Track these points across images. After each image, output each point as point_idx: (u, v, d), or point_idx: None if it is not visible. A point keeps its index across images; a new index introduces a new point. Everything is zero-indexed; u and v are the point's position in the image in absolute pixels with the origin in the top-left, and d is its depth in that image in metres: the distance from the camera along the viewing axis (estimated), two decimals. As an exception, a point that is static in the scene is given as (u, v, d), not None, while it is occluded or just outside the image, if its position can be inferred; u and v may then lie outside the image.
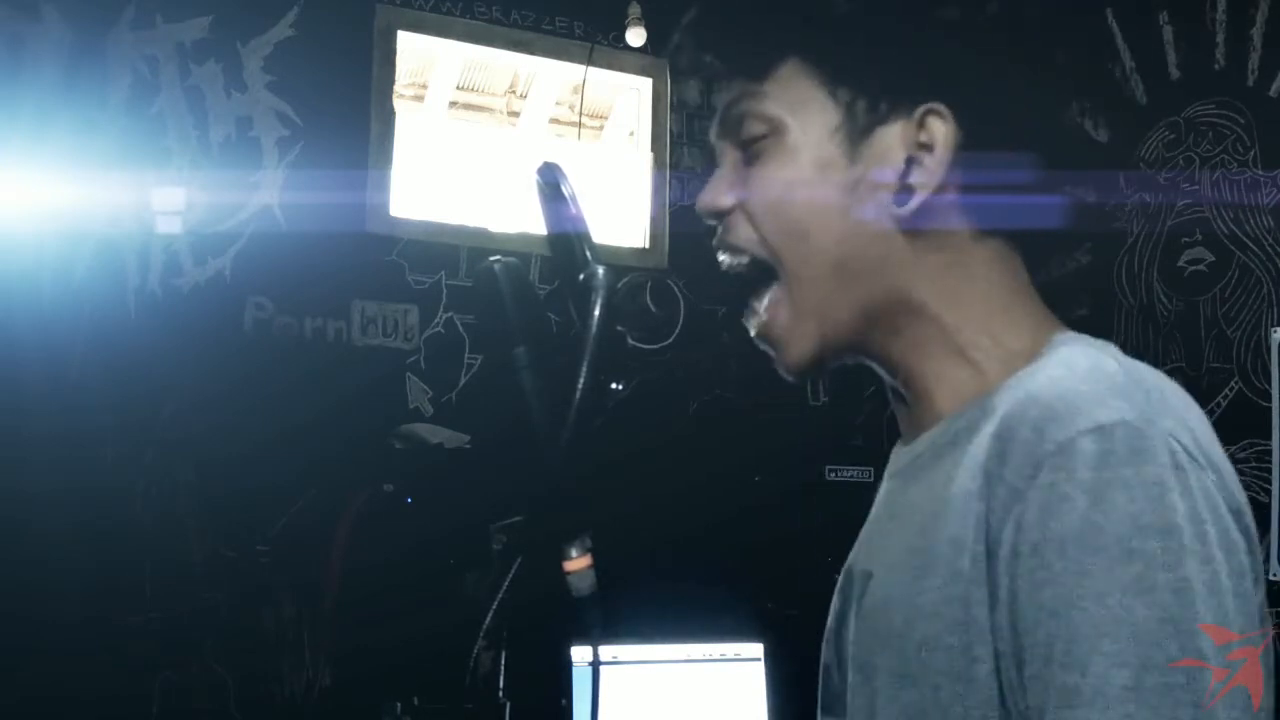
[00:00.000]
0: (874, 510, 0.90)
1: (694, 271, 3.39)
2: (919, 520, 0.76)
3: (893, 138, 0.77)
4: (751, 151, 0.81)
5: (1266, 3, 2.53)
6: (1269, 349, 2.47)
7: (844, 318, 0.80)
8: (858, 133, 0.77)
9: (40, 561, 2.52)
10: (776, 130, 0.79)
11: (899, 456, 0.86)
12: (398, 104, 3.22)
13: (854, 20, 0.77)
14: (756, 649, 2.34)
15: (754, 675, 2.32)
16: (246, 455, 2.72)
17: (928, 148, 0.76)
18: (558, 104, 3.73)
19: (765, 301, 0.82)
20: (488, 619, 0.83)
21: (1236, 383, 2.54)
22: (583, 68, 3.37)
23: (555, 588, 0.81)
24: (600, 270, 0.83)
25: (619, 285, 0.84)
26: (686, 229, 3.39)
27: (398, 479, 2.57)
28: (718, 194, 0.83)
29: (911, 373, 0.81)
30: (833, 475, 2.89)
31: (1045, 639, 0.63)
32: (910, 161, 0.76)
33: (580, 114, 3.50)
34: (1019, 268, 0.80)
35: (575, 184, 0.87)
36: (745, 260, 0.82)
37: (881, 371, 0.85)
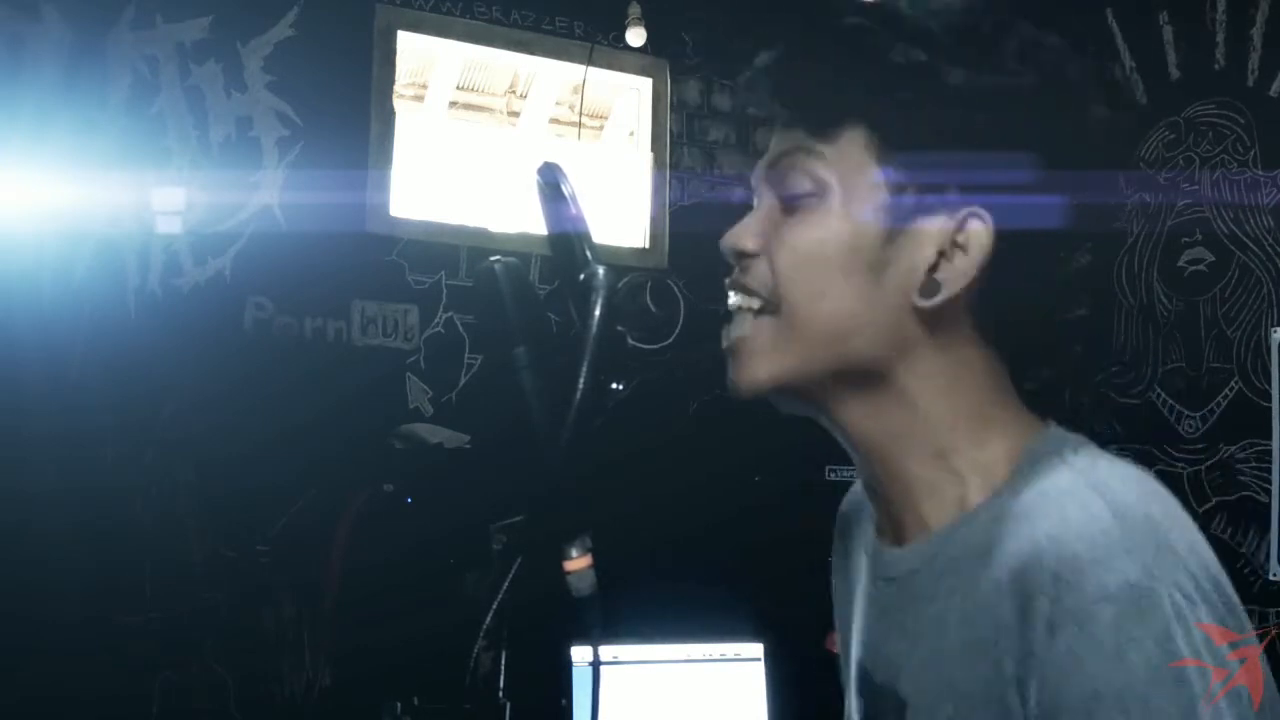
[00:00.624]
0: (867, 606, 0.90)
1: (694, 271, 3.38)
2: (940, 652, 0.77)
3: (931, 230, 0.77)
4: (793, 204, 0.81)
5: (1266, 3, 2.54)
6: (1269, 349, 2.47)
7: (818, 369, 0.80)
8: (899, 217, 0.78)
9: (40, 561, 2.52)
10: (822, 192, 0.79)
11: (886, 561, 0.86)
12: (398, 104, 3.22)
13: (928, 113, 0.77)
14: (756, 649, 2.34)
15: (754, 675, 2.32)
16: (246, 455, 2.72)
17: (962, 248, 0.77)
18: (558, 104, 3.73)
19: (749, 320, 0.83)
20: (488, 619, 0.83)
21: (1236, 383, 2.54)
22: (583, 68, 3.37)
23: (555, 588, 0.81)
24: (600, 270, 0.83)
25: (619, 285, 0.84)
26: (686, 229, 3.39)
27: (398, 479, 2.57)
28: (747, 236, 0.83)
29: (890, 467, 0.82)
30: (833, 475, 2.88)
31: None
32: (941, 256, 0.77)
33: (580, 114, 3.50)
34: (1006, 377, 0.82)
35: (575, 184, 0.86)
36: (756, 305, 0.82)
37: (850, 448, 0.85)
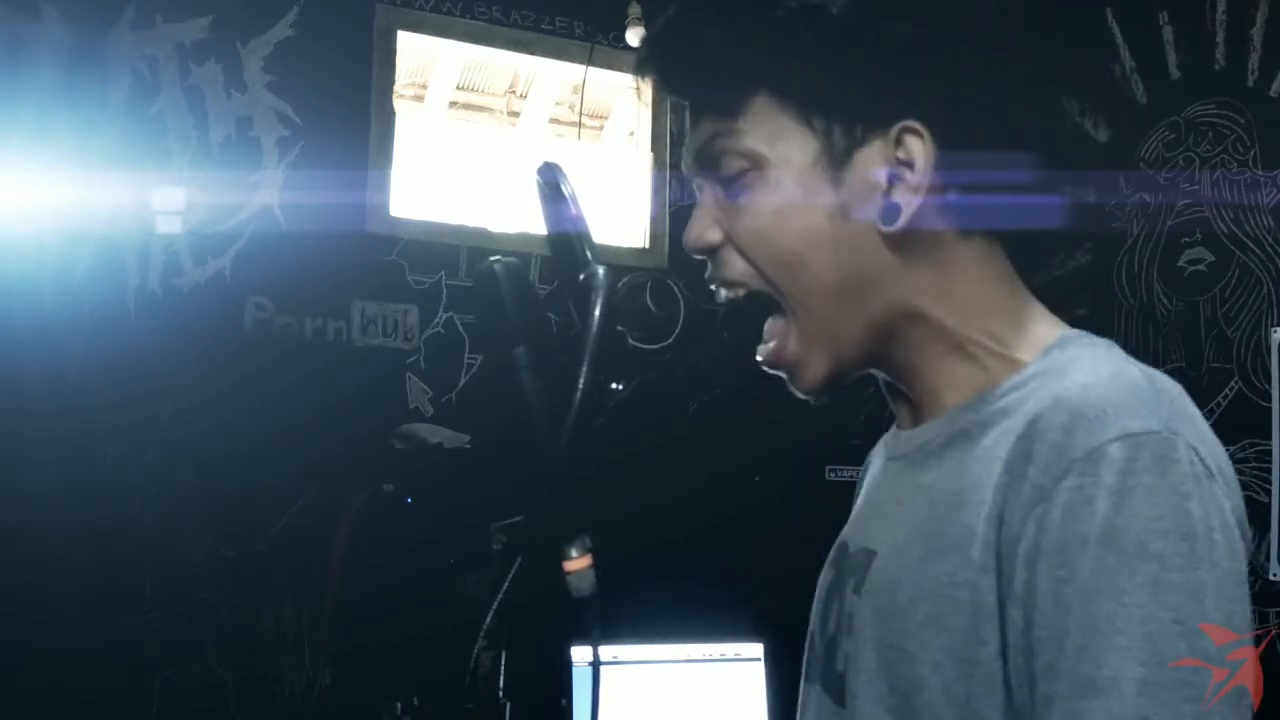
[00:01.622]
0: (870, 490, 0.92)
1: (694, 271, 3.37)
2: (928, 505, 0.78)
3: (872, 158, 0.78)
4: (733, 186, 0.81)
5: (1266, 3, 2.53)
6: (1269, 349, 2.47)
7: (854, 335, 0.81)
8: (838, 158, 0.78)
9: (40, 561, 2.52)
10: (757, 164, 0.80)
11: (900, 441, 0.87)
12: (398, 104, 3.22)
13: (820, 49, 0.77)
14: (756, 649, 2.34)
15: (754, 675, 2.32)
16: (246, 455, 2.72)
17: (907, 164, 0.77)
18: (558, 104, 3.73)
19: (771, 331, 0.84)
20: (488, 619, 0.83)
21: (1236, 383, 2.54)
22: (583, 68, 3.37)
23: (555, 588, 0.81)
24: (600, 270, 0.83)
25: (619, 285, 0.84)
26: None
27: (398, 479, 2.57)
28: (704, 229, 0.84)
29: (915, 372, 0.83)
30: (833, 475, 2.89)
31: (1061, 632, 0.66)
32: (891, 178, 0.77)
33: (580, 114, 3.50)
34: (1004, 263, 0.82)
35: (575, 184, 0.87)
36: (742, 293, 0.83)
37: (883, 375, 0.86)
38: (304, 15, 3.03)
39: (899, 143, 0.77)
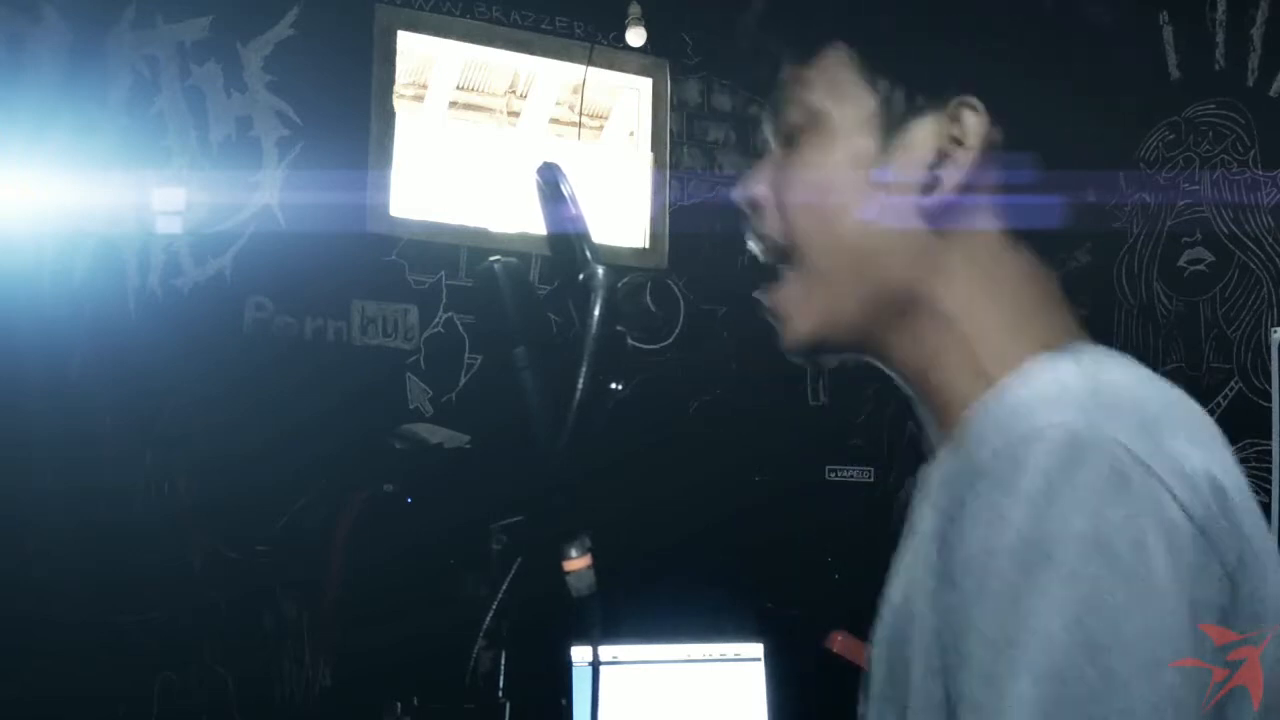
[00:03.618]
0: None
1: (694, 271, 3.39)
2: (910, 549, 0.77)
3: (925, 130, 0.75)
4: (792, 141, 0.80)
5: (1266, 2, 2.54)
6: (1269, 349, 2.47)
7: (852, 306, 0.78)
8: (892, 123, 0.76)
9: (40, 561, 2.52)
10: (815, 119, 0.79)
11: (925, 471, 0.83)
12: (398, 104, 3.22)
13: (897, 8, 0.77)
14: (756, 649, 2.34)
15: (754, 675, 2.32)
16: (246, 455, 2.72)
17: (959, 142, 0.74)
18: (558, 104, 3.74)
19: (779, 281, 0.82)
20: (488, 619, 0.83)
21: (1236, 383, 2.54)
22: (583, 68, 3.37)
23: (555, 588, 0.81)
24: (600, 270, 0.83)
25: (619, 285, 0.84)
26: (686, 229, 3.39)
27: (398, 479, 2.57)
28: (753, 183, 0.83)
29: (929, 385, 0.79)
30: (833, 475, 2.89)
31: (964, 647, 0.61)
32: (941, 155, 0.75)
33: (580, 114, 3.50)
34: (1050, 280, 0.78)
35: (575, 184, 0.86)
36: (772, 248, 0.82)
37: (896, 378, 0.83)
38: (304, 15, 3.03)
39: (955, 118, 0.74)
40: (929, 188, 0.75)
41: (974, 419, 0.70)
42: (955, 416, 0.75)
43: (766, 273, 0.84)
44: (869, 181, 0.76)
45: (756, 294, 0.84)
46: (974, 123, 0.74)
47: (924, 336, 0.77)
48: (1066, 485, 0.59)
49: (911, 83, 0.76)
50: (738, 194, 0.83)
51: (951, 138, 0.74)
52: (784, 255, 0.81)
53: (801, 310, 0.80)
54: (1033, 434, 0.61)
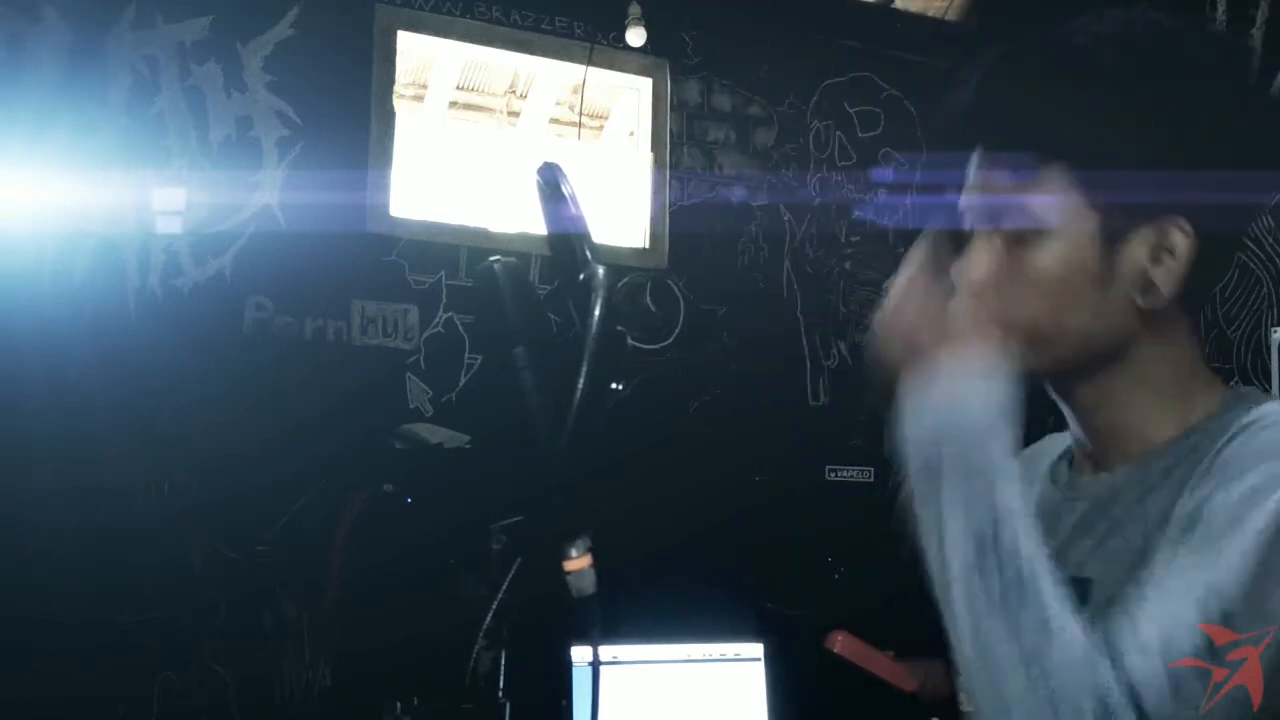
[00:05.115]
0: (1054, 524, 0.96)
1: (694, 271, 3.39)
2: (1142, 549, 0.85)
3: (1141, 242, 0.87)
4: (1016, 239, 0.90)
5: (1266, 3, 2.54)
6: (1269, 349, 2.47)
7: (1061, 364, 0.92)
8: (1113, 237, 0.87)
9: (40, 561, 2.52)
10: (1040, 228, 0.88)
11: (1088, 484, 0.96)
12: (398, 104, 3.22)
13: (1120, 135, 0.86)
14: (756, 649, 2.34)
15: (754, 675, 2.32)
16: (246, 455, 2.72)
17: (1170, 252, 0.87)
18: (558, 104, 3.74)
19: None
20: (488, 619, 0.83)
21: (1236, 383, 2.54)
22: (583, 68, 3.37)
23: (555, 588, 0.81)
24: (600, 270, 0.83)
25: (619, 285, 0.84)
26: (686, 229, 3.39)
27: (398, 479, 2.57)
28: (991, 267, 0.91)
29: (1107, 424, 0.93)
30: (833, 475, 2.89)
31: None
32: (1154, 262, 0.87)
33: (580, 114, 3.50)
34: (1200, 337, 0.94)
35: (575, 184, 0.86)
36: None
37: (1070, 410, 0.96)
38: (304, 15, 3.03)
39: (1164, 231, 0.86)
40: (1148, 295, 0.88)
41: (1225, 449, 0.83)
42: (1126, 444, 0.92)
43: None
44: (1096, 283, 0.88)
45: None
46: (1183, 241, 0.86)
47: (1109, 387, 0.92)
48: None
49: (1131, 204, 0.87)
50: (978, 276, 0.91)
51: (1163, 247, 0.87)
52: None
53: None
54: None
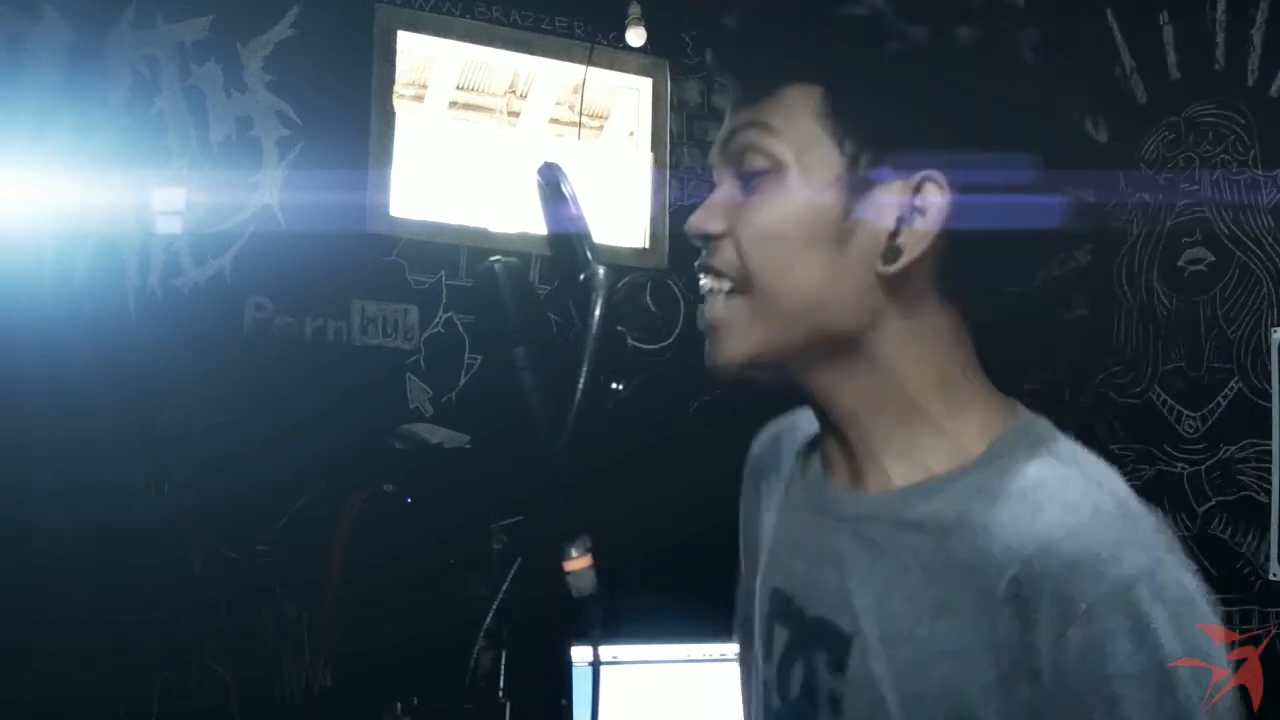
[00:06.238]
0: (797, 536, 0.90)
1: (694, 272, 3.38)
2: (904, 604, 0.78)
3: (889, 197, 0.78)
4: (751, 184, 0.81)
5: (1266, 2, 2.54)
6: (1269, 349, 2.47)
7: (793, 340, 0.81)
8: (857, 187, 0.78)
9: (40, 561, 2.52)
10: (778, 168, 0.79)
11: (836, 499, 0.86)
12: (398, 104, 3.22)
13: (876, 77, 0.77)
14: (756, 649, 2.34)
15: (754, 675, 2.32)
16: (246, 455, 2.72)
17: (920, 212, 0.77)
18: (558, 104, 3.73)
19: (725, 301, 0.83)
20: (488, 619, 0.83)
21: (1236, 383, 2.54)
22: (583, 68, 3.37)
23: (555, 588, 0.81)
24: (600, 270, 0.83)
25: (619, 285, 0.84)
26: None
27: (398, 479, 2.57)
28: (710, 218, 0.83)
29: (859, 426, 0.83)
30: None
31: None
32: (900, 221, 0.77)
33: (580, 114, 3.50)
34: (967, 340, 0.82)
35: (575, 184, 0.86)
36: (727, 286, 0.83)
37: (816, 407, 0.86)
38: (304, 15, 3.03)
39: (918, 189, 0.77)
40: (890, 256, 0.78)
41: (1019, 542, 0.73)
42: (883, 460, 0.82)
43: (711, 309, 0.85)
44: (831, 237, 0.79)
45: (700, 311, 0.85)
46: (937, 198, 0.77)
47: (854, 377, 0.82)
48: (1171, 618, 0.70)
49: (880, 150, 0.78)
50: (693, 226, 0.84)
51: (913, 207, 0.77)
52: (733, 288, 0.82)
53: (743, 334, 0.82)
54: (1123, 583, 0.70)
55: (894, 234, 0.78)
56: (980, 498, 0.77)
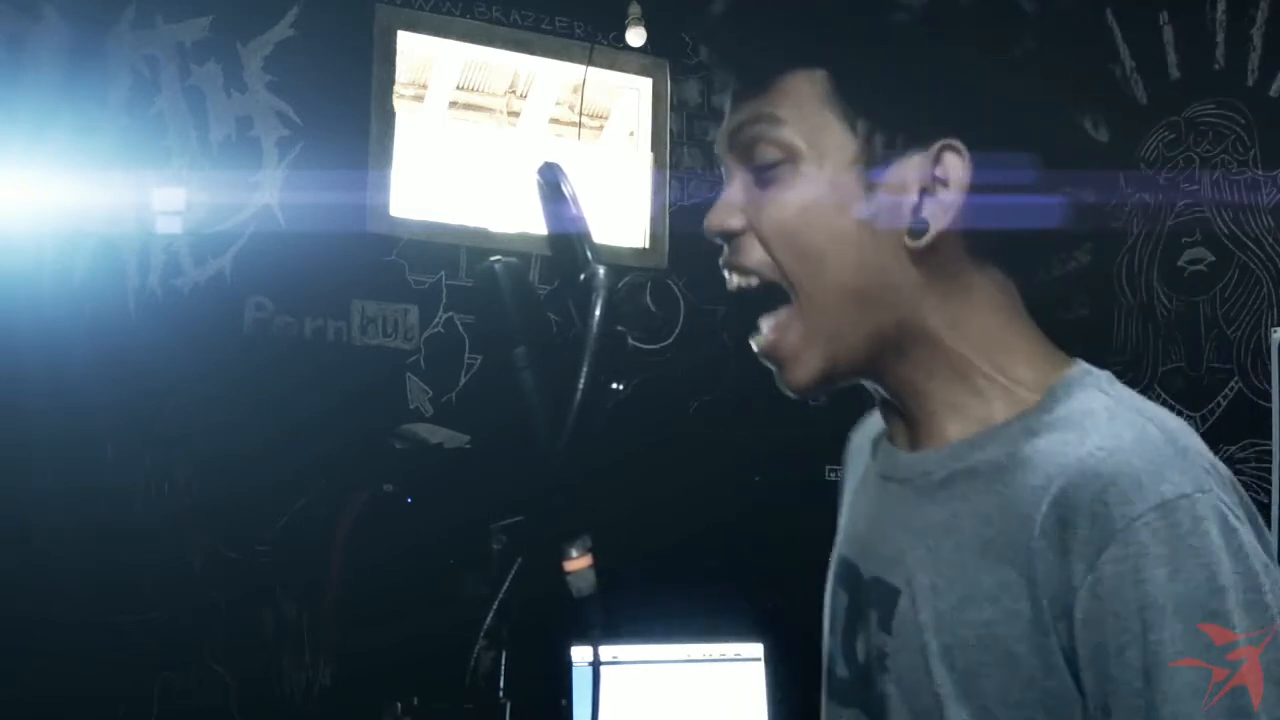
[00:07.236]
0: (865, 505, 0.91)
1: (694, 271, 3.39)
2: (953, 550, 0.78)
3: (909, 171, 0.77)
4: (765, 175, 0.80)
5: (1267, 2, 2.54)
6: (1269, 349, 2.47)
7: (856, 343, 0.80)
8: (876, 164, 0.77)
9: (40, 561, 2.52)
10: (792, 157, 0.79)
11: (897, 462, 0.86)
12: (398, 104, 3.22)
13: (883, 50, 0.76)
14: (756, 649, 2.34)
15: (754, 675, 2.32)
16: (246, 455, 2.72)
17: (943, 182, 0.77)
18: (558, 104, 3.73)
19: (772, 322, 0.82)
20: (488, 619, 0.83)
21: (1236, 383, 2.54)
22: (583, 68, 3.37)
23: (555, 588, 0.81)
24: (600, 270, 0.83)
25: (619, 285, 0.84)
26: (686, 229, 3.38)
27: (398, 479, 2.57)
28: (728, 215, 0.83)
29: (915, 392, 0.83)
30: (833, 475, 2.88)
31: (1134, 693, 0.68)
32: (923, 194, 0.77)
33: (580, 114, 3.50)
34: (1016, 296, 0.82)
35: (575, 184, 0.86)
36: (755, 282, 0.82)
37: (878, 389, 0.86)
38: (304, 15, 3.03)
39: (937, 159, 0.76)
40: (916, 232, 0.77)
41: (1061, 467, 0.72)
42: (941, 421, 0.82)
43: (753, 307, 0.84)
44: (855, 219, 0.77)
45: (751, 340, 0.84)
46: (957, 166, 0.76)
47: (915, 357, 0.81)
48: (1207, 545, 0.68)
49: (894, 127, 0.77)
50: (712, 225, 0.83)
51: (935, 177, 0.76)
52: (771, 289, 0.81)
53: (805, 355, 0.82)
54: (1160, 505, 0.68)
55: (918, 207, 0.77)
56: (1027, 435, 0.76)
